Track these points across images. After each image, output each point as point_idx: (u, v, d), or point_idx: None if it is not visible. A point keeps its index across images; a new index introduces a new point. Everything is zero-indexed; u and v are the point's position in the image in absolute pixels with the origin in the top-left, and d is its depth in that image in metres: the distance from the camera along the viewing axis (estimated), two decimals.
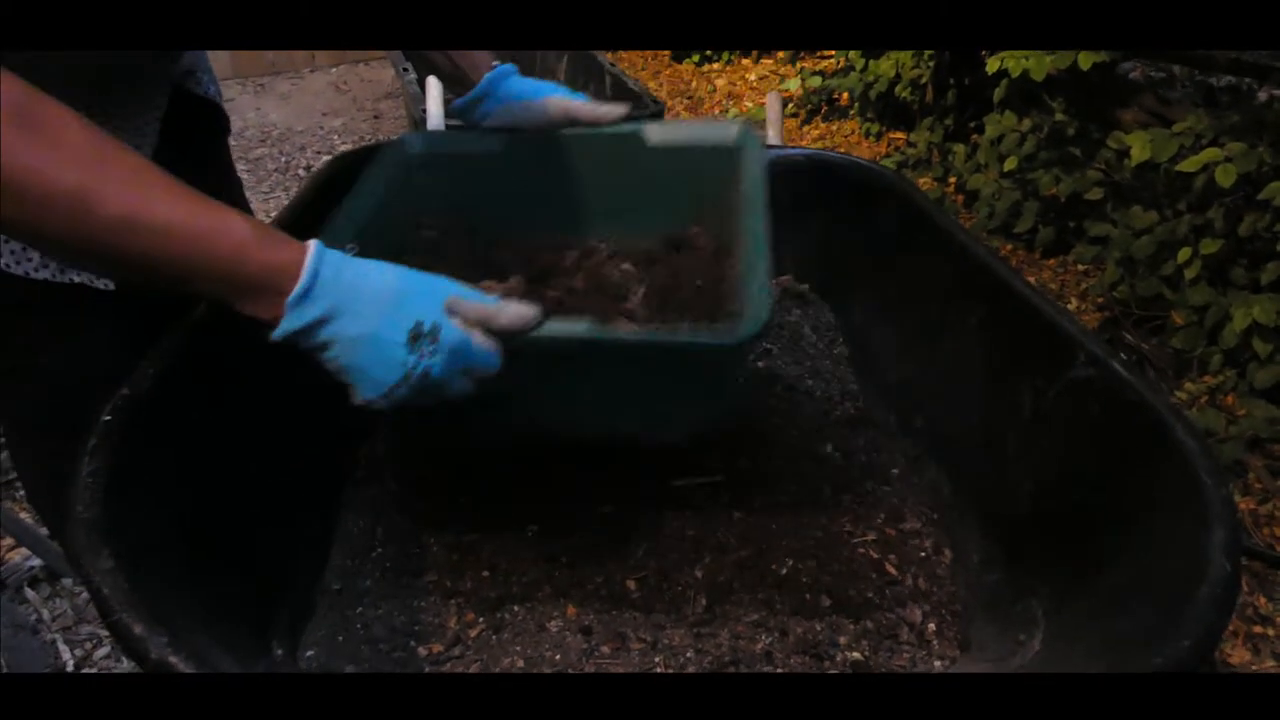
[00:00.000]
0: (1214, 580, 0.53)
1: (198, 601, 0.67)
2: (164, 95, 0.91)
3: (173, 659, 0.45)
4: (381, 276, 0.66)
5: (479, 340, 0.68)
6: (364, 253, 0.70)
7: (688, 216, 1.05)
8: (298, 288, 0.62)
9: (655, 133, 1.03)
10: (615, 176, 1.05)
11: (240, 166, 3.26)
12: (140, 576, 0.50)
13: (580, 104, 1.00)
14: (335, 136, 3.50)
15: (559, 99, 1.00)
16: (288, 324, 0.63)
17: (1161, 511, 0.65)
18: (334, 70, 4.22)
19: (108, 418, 0.60)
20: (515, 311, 0.69)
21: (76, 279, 0.83)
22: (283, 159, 3.32)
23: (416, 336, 0.64)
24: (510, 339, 0.70)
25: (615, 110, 1.01)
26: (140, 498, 0.60)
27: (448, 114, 1.04)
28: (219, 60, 3.84)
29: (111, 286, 0.84)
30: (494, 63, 1.00)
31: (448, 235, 1.03)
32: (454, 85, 1.01)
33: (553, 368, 0.77)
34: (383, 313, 0.64)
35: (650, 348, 0.74)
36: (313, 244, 0.65)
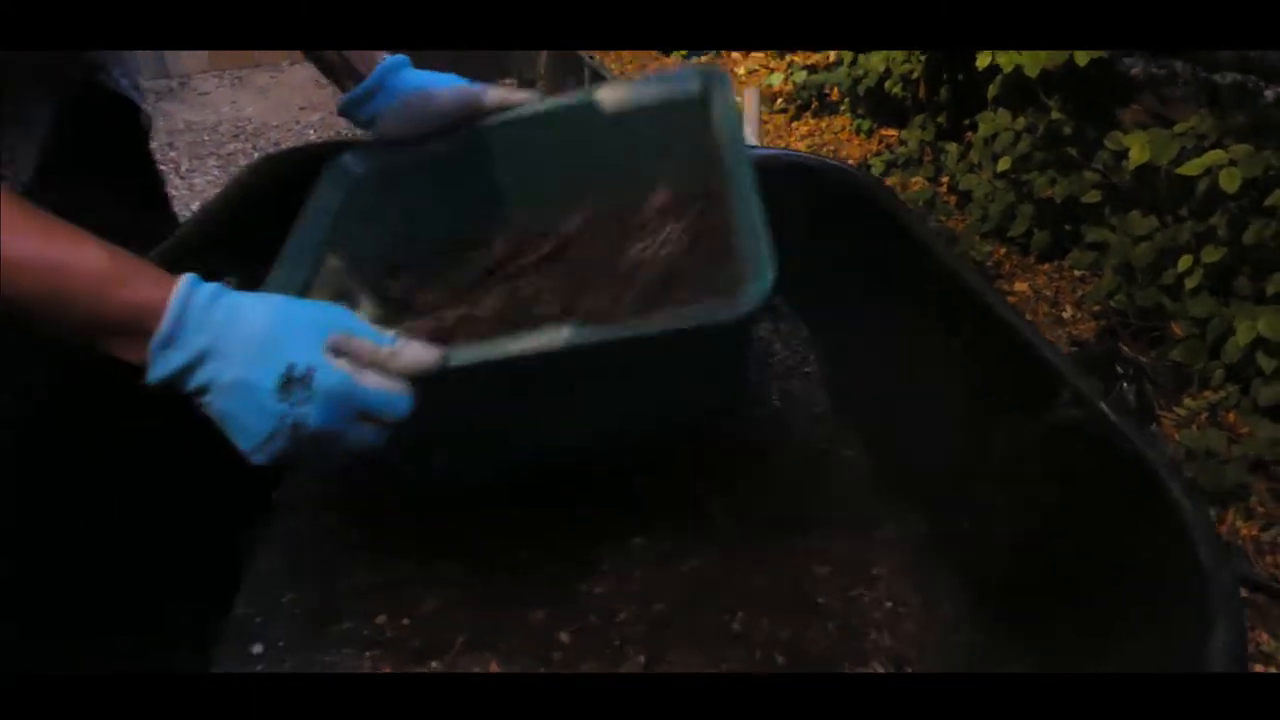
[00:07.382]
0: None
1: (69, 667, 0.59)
2: (61, 88, 0.84)
3: None
4: (254, 313, 0.59)
5: (372, 382, 0.59)
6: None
7: (655, 183, 0.95)
8: (161, 330, 0.57)
9: (609, 96, 0.94)
10: (576, 154, 0.95)
11: (211, 162, 3.17)
12: None
13: (487, 90, 0.92)
14: (311, 131, 3.40)
15: (460, 89, 0.91)
16: (155, 370, 0.58)
17: (1155, 587, 0.56)
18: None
19: None
20: (413, 355, 0.61)
21: None
22: (255, 154, 3.23)
23: (288, 382, 0.57)
24: (416, 379, 0.62)
25: (524, 95, 0.93)
26: None
27: (339, 112, 0.95)
28: (195, 53, 3.74)
29: None
30: (384, 55, 0.91)
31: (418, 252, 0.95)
32: (343, 79, 0.92)
33: (529, 386, 0.70)
34: (252, 356, 0.57)
35: (644, 341, 0.64)
36: (183, 280, 0.58)
